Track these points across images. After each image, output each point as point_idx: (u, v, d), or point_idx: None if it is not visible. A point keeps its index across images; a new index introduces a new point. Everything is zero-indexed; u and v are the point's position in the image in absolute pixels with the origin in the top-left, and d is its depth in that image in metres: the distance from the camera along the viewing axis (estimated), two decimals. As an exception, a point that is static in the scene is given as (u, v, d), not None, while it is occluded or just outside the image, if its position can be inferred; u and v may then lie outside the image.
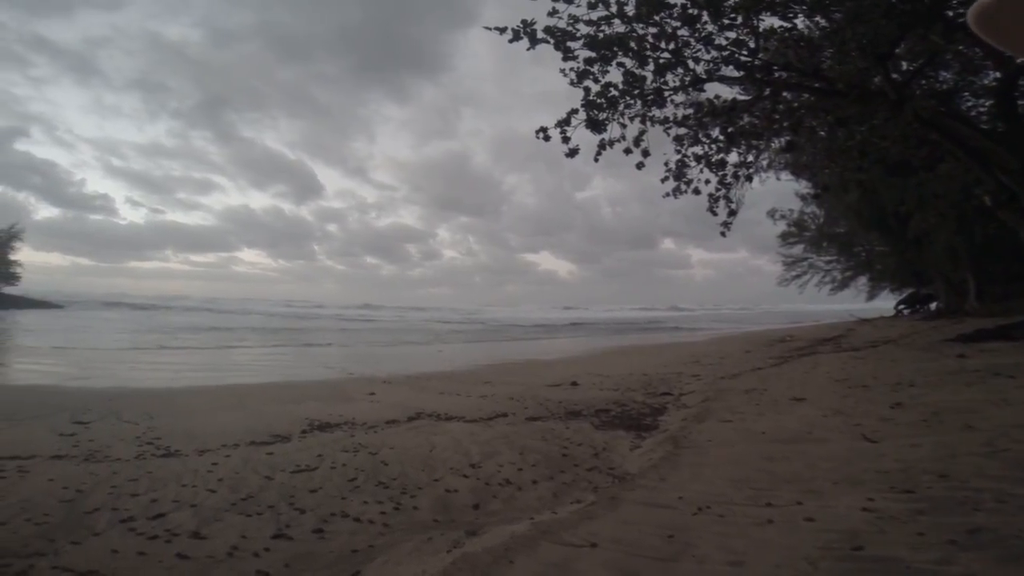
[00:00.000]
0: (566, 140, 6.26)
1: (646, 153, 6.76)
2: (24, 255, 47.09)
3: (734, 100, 6.99)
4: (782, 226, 28.52)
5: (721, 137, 7.31)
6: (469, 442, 5.19)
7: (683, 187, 7.62)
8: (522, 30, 5.47)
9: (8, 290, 45.20)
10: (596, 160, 6.53)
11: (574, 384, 9.20)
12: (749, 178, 8.00)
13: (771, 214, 27.96)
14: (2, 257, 44.53)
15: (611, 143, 6.55)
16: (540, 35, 5.61)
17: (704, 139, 7.37)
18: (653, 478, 3.92)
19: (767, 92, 6.84)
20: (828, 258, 29.32)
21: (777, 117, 7.07)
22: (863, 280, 29.48)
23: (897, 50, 6.76)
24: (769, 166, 8.83)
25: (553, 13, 5.71)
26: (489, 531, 2.92)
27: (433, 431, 5.67)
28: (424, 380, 10.21)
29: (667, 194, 7.70)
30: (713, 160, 7.50)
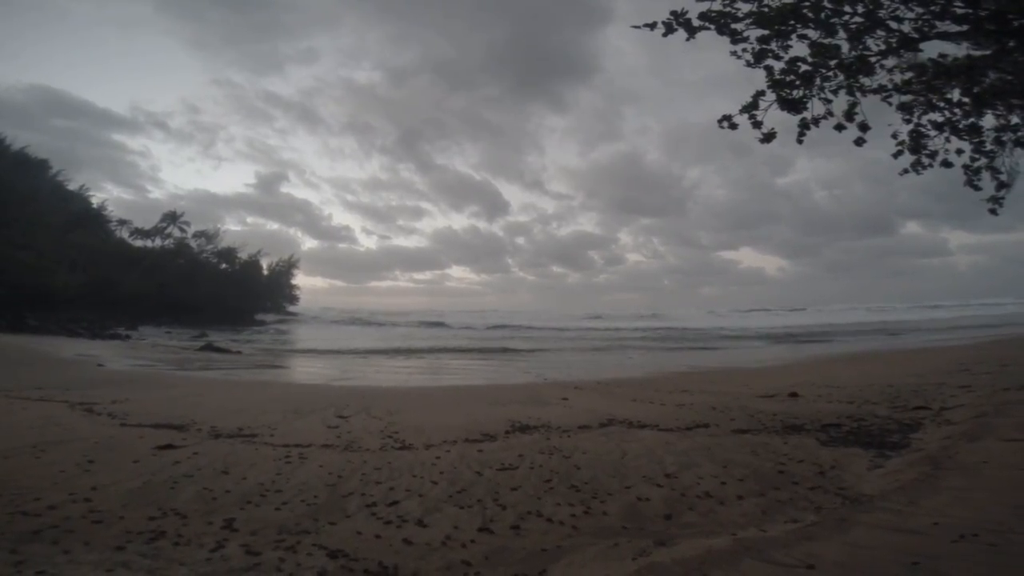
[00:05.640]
0: (757, 125, 5.67)
1: (864, 127, 5.75)
2: (299, 280, 61.60)
3: (968, 57, 5.47)
4: (1086, 196, 20.52)
5: (965, 99, 5.81)
6: (663, 451, 4.99)
7: (925, 160, 6.33)
8: (674, 22, 5.09)
9: (291, 308, 59.56)
10: (800, 142, 5.82)
11: (793, 395, 8.17)
12: (1020, 142, 6.20)
13: (1065, 182, 20.33)
14: (286, 282, 58.65)
15: (815, 121, 5.75)
16: (696, 23, 5.15)
17: (941, 104, 5.96)
18: (899, 501, 3.44)
19: (1011, 44, 5.18)
20: None
21: None
22: None
23: None
24: None
25: None
26: (682, 543, 2.77)
27: (625, 438, 5.60)
28: (614, 386, 10.18)
29: (905, 171, 6.49)
30: (961, 127, 6.01)
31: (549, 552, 2.98)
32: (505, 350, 24.44)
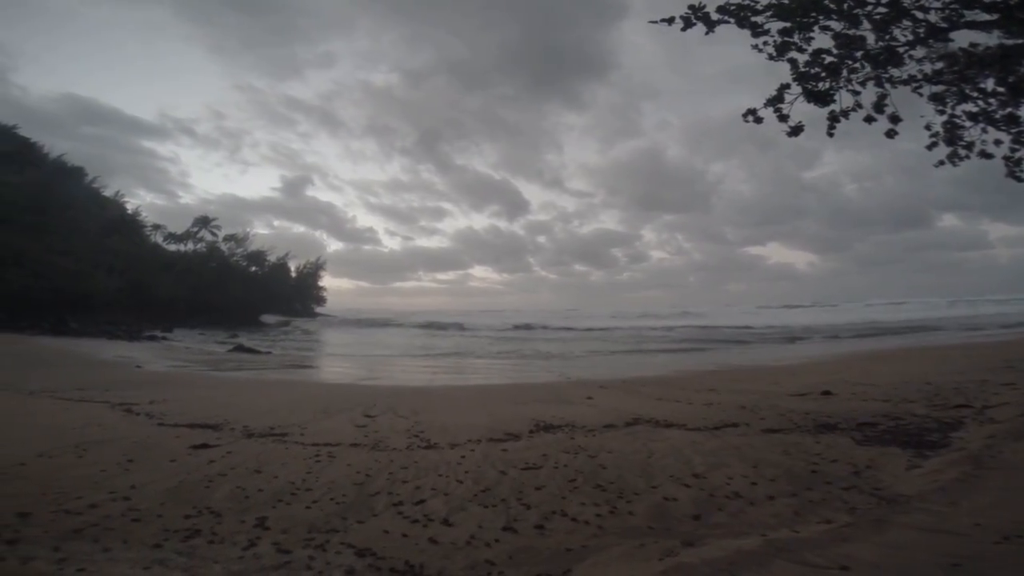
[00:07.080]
0: (783, 119, 5.58)
1: (895, 119, 5.60)
2: (326, 281, 63.19)
3: (1001, 46, 5.28)
4: None
5: (1000, 89, 5.61)
6: (691, 451, 4.92)
7: (961, 152, 6.15)
8: (693, 16, 5.03)
9: (319, 310, 61.07)
10: (830, 135, 5.70)
11: (826, 394, 7.97)
12: None
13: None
14: (313, 284, 59.97)
15: (844, 113, 5.62)
16: (715, 16, 5.08)
17: (975, 94, 5.77)
18: (938, 501, 3.35)
19: None
20: None
21: None
22: None
23: None
24: None
25: None
26: (710, 544, 2.73)
27: (651, 437, 5.53)
28: (640, 385, 10.09)
29: (940, 162, 6.32)
30: (997, 117, 5.81)
31: (574, 552, 2.96)
32: (529, 350, 24.45)
